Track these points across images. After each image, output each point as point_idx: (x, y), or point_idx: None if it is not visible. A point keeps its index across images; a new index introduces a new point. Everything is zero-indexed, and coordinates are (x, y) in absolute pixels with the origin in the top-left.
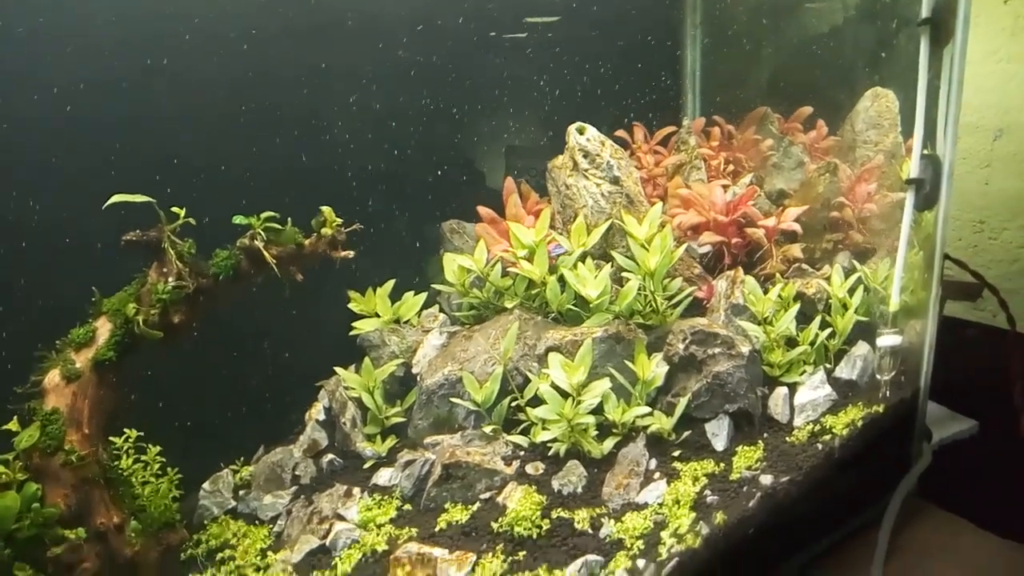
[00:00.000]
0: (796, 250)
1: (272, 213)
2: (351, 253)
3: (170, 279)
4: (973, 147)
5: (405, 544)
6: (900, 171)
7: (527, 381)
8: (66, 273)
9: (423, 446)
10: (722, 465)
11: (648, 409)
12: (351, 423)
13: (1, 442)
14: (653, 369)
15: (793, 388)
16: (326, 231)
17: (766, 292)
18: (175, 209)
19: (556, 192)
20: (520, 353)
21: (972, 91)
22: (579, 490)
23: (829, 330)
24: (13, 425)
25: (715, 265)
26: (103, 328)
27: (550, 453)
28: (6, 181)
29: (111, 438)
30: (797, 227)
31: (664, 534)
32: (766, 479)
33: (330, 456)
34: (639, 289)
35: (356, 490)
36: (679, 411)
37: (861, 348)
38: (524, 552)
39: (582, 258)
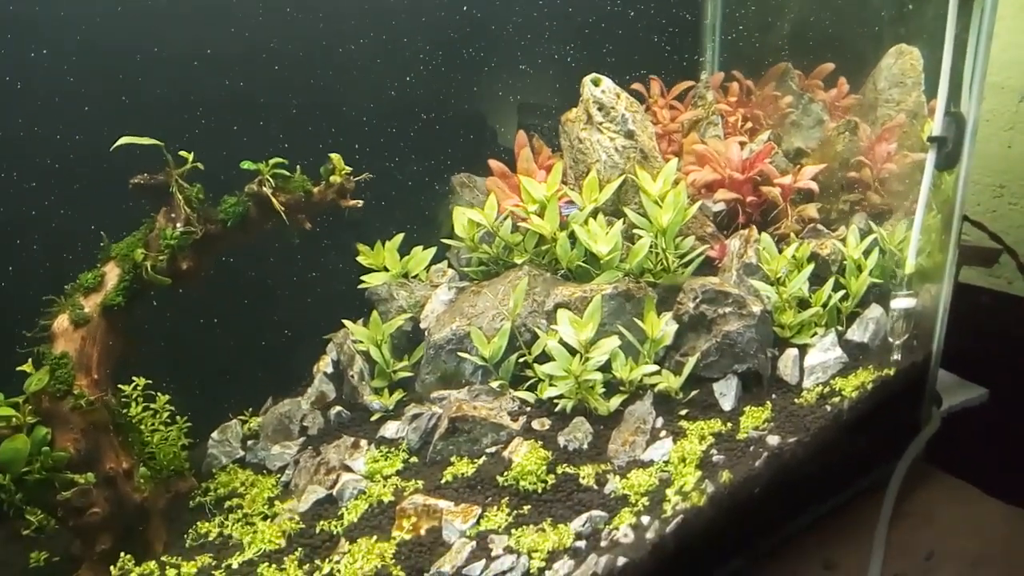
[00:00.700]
0: (812, 210)
1: (281, 160)
2: (360, 202)
3: (178, 225)
4: (997, 108)
5: (411, 496)
6: (922, 131)
7: (535, 338)
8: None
9: (430, 400)
10: (729, 425)
11: (656, 367)
12: (359, 376)
13: (11, 387)
14: (662, 327)
15: (803, 350)
16: (335, 179)
17: (780, 252)
18: (183, 153)
19: (569, 146)
20: (528, 309)
21: (1000, 48)
22: (585, 447)
23: (842, 292)
24: (28, 367)
25: (728, 224)
26: (111, 273)
27: (556, 409)
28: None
29: (120, 386)
30: (814, 185)
31: (669, 492)
32: (773, 439)
33: (338, 408)
34: (650, 246)
35: (363, 442)
36: (687, 370)
37: (874, 311)
38: (529, 506)
39: (593, 214)
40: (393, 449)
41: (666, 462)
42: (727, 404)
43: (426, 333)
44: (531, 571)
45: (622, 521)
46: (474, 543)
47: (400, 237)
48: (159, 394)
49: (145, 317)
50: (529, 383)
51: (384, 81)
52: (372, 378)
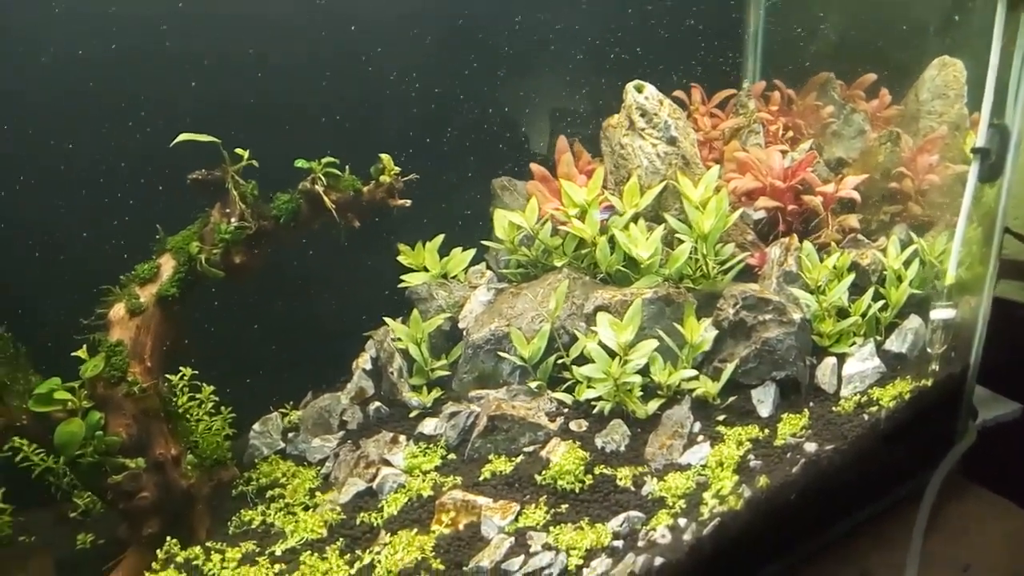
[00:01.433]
0: (853, 220)
1: (333, 159)
2: (408, 202)
3: (232, 219)
4: None
5: (450, 491)
6: (964, 143)
7: (573, 340)
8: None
9: (467, 399)
10: (766, 431)
11: (695, 372)
12: (398, 373)
13: (67, 372)
14: (702, 333)
15: (842, 359)
16: (384, 178)
17: (821, 261)
18: (239, 151)
19: (610, 152)
20: (567, 312)
21: None
22: (622, 448)
23: (882, 302)
24: (82, 353)
25: (768, 232)
26: (167, 265)
27: (594, 411)
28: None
29: (168, 376)
30: (856, 195)
31: (706, 495)
32: (810, 447)
33: (376, 404)
34: (691, 252)
35: (402, 437)
36: (726, 376)
37: (913, 322)
38: (567, 505)
39: (634, 219)
40: (431, 445)
41: (703, 466)
42: (765, 411)
43: (464, 333)
44: (569, 568)
45: (659, 522)
46: (512, 539)
47: (440, 238)
48: (204, 385)
49: (195, 309)
50: (567, 385)
51: (427, 86)
52: (411, 375)
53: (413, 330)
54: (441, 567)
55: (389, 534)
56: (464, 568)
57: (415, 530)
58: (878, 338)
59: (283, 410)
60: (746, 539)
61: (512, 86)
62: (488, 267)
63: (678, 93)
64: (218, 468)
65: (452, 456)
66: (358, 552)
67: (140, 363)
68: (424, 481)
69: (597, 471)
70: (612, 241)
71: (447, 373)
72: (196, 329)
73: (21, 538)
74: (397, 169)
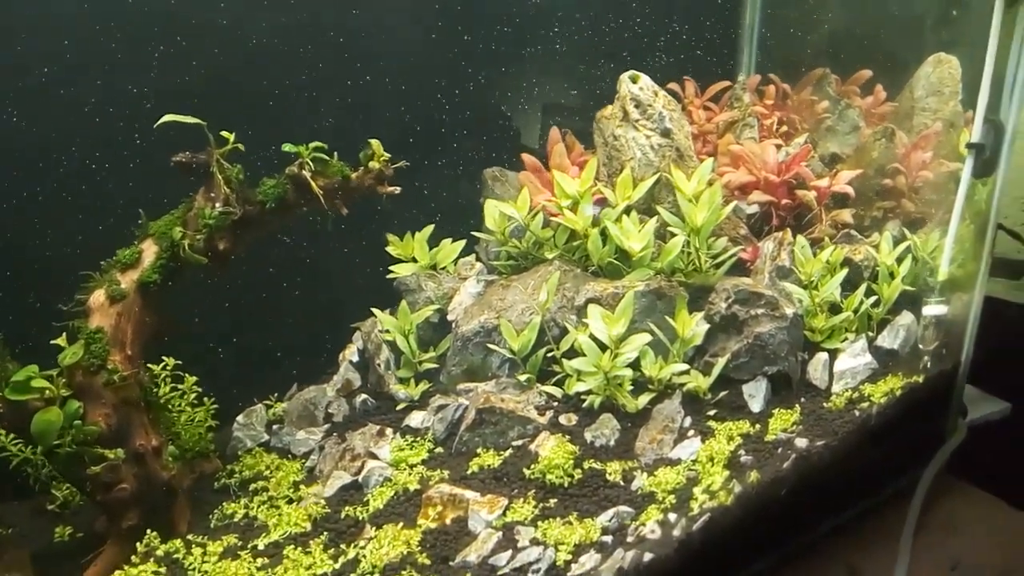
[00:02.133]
0: (846, 215)
1: (321, 144)
2: (398, 189)
3: (217, 204)
4: None
5: (437, 485)
6: (958, 141)
7: (564, 333)
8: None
9: (456, 392)
10: (757, 426)
11: (686, 367)
12: (385, 365)
13: (45, 360)
14: (693, 327)
15: (834, 354)
16: (374, 165)
17: (814, 256)
18: (224, 134)
19: (603, 143)
20: (558, 304)
21: None
22: (612, 443)
23: (874, 298)
24: (61, 340)
25: (761, 227)
26: (149, 251)
27: (584, 405)
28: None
29: (150, 365)
30: (850, 190)
31: (696, 490)
32: (801, 442)
33: (363, 396)
34: (683, 246)
35: (388, 430)
36: (717, 370)
37: (905, 318)
38: (555, 499)
39: (626, 211)
40: (418, 439)
41: (694, 461)
42: (756, 406)
43: (453, 325)
44: (558, 563)
45: (649, 517)
46: (500, 534)
47: (430, 229)
48: (187, 375)
49: (179, 297)
50: (557, 378)
51: (420, 76)
52: (398, 368)
53: (401, 322)
54: (427, 562)
55: (374, 528)
56: (451, 563)
57: (401, 524)
58: (870, 334)
59: (268, 402)
60: (736, 535)
61: (505, 76)
62: (478, 259)
63: (672, 86)
64: (200, 460)
65: (439, 450)
66: (342, 546)
67: (120, 351)
68: (411, 475)
69: (586, 465)
70: (604, 233)
71: (435, 366)
72: (181, 317)
73: None
74: (386, 155)
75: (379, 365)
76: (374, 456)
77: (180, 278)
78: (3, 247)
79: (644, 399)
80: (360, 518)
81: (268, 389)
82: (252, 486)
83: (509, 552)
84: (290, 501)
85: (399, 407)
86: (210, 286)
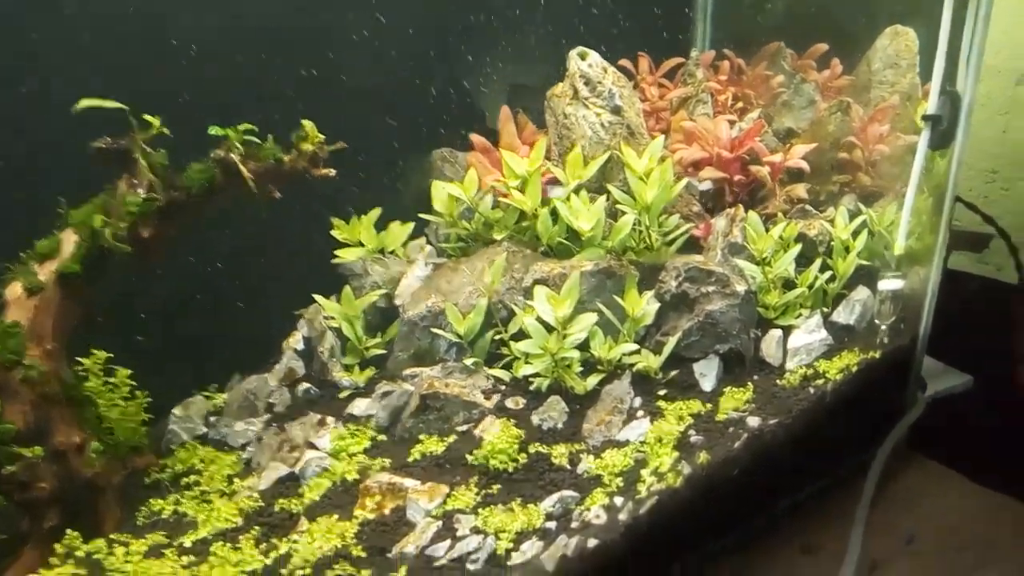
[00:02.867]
0: (801, 190)
1: (250, 126)
2: (332, 172)
3: (140, 191)
4: (993, 92)
5: (376, 474)
6: (915, 113)
7: (512, 315)
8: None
9: (402, 378)
10: (709, 406)
11: (636, 347)
12: (329, 353)
13: None
14: (643, 306)
15: (788, 331)
16: (306, 147)
17: (767, 232)
18: (148, 118)
19: (554, 122)
20: (506, 286)
21: (998, 30)
22: (559, 426)
23: (829, 273)
24: None
25: (715, 204)
26: (69, 241)
27: (532, 388)
28: None
29: (79, 359)
30: (804, 164)
31: (644, 472)
32: (753, 421)
33: (306, 385)
34: (634, 224)
35: (330, 419)
36: (668, 350)
37: (861, 293)
38: (498, 485)
39: (576, 191)
40: (361, 427)
41: (642, 442)
42: (707, 385)
43: (400, 310)
44: (498, 552)
45: (594, 502)
46: (440, 523)
47: (377, 212)
48: (120, 368)
49: (110, 288)
50: (505, 361)
51: (366, 55)
52: (344, 355)
53: (345, 307)
54: (362, 554)
55: (309, 521)
56: (387, 555)
57: (337, 516)
58: (825, 310)
59: (207, 393)
60: (685, 517)
61: (454, 55)
62: (428, 242)
63: (624, 62)
64: (133, 455)
65: (382, 438)
66: (274, 541)
67: (39, 346)
68: (350, 464)
69: (532, 449)
70: (554, 213)
71: (383, 352)
72: (116, 308)
73: None
74: (321, 137)
75: (322, 353)
76: (313, 446)
77: (104, 268)
78: None
79: (593, 380)
80: (295, 511)
81: (209, 379)
82: (184, 480)
83: (448, 542)
84: (223, 495)
85: (343, 395)
86: (150, 275)
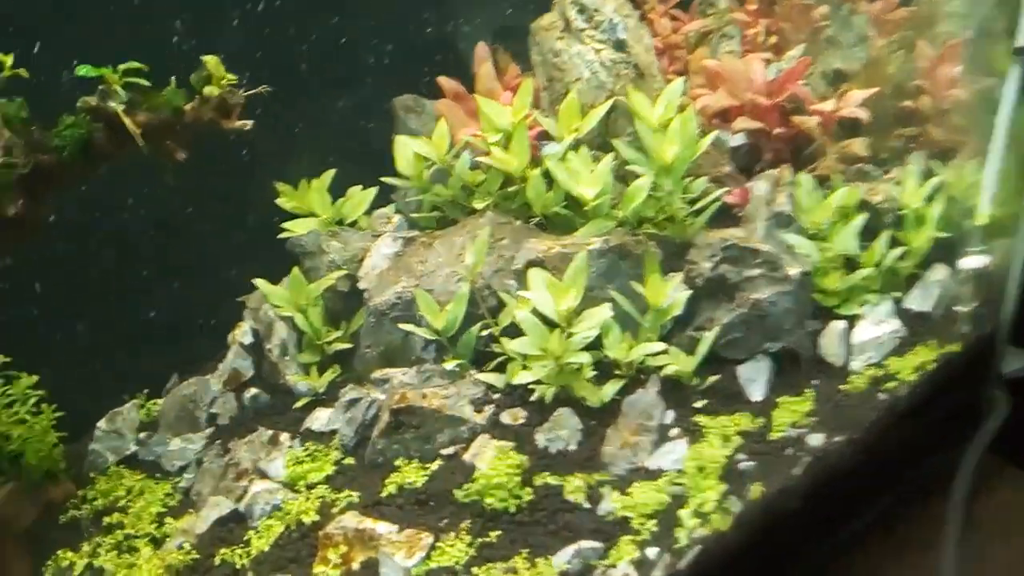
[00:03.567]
0: (859, 146)
1: (138, 65)
2: (249, 123)
3: None
4: None
5: (341, 515)
6: (994, 53)
7: (502, 304)
8: None
9: (370, 381)
10: (760, 420)
11: (663, 346)
12: (280, 349)
13: None
14: (670, 294)
15: (852, 322)
16: (211, 91)
17: (822, 199)
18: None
19: (541, 62)
20: (493, 268)
21: None
22: (571, 448)
23: (900, 249)
24: None
25: (750, 163)
26: None
27: (533, 398)
28: None
29: None
30: (863, 114)
31: (683, 513)
32: (815, 439)
33: (254, 391)
34: (651, 189)
35: (284, 436)
36: (704, 349)
37: (938, 272)
38: (498, 531)
39: (574, 147)
40: (322, 446)
41: (679, 471)
42: (756, 393)
43: (365, 295)
44: None
45: (622, 556)
46: None
47: (330, 174)
48: (21, 374)
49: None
50: (496, 362)
51: None
52: (300, 351)
53: (295, 294)
54: None
55: None
56: None
57: (291, 574)
58: (896, 295)
59: (139, 400)
60: (736, 570)
61: None
62: (398, 211)
63: None
64: (47, 485)
65: (349, 461)
66: None
67: None
68: (308, 499)
69: (538, 481)
70: (548, 176)
71: (349, 345)
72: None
73: None
74: (231, 78)
75: (271, 350)
76: (263, 474)
77: None
78: None
79: (611, 389)
80: (239, 566)
81: (141, 383)
82: (106, 519)
83: None
84: (152, 540)
85: (299, 404)
86: (57, 258)
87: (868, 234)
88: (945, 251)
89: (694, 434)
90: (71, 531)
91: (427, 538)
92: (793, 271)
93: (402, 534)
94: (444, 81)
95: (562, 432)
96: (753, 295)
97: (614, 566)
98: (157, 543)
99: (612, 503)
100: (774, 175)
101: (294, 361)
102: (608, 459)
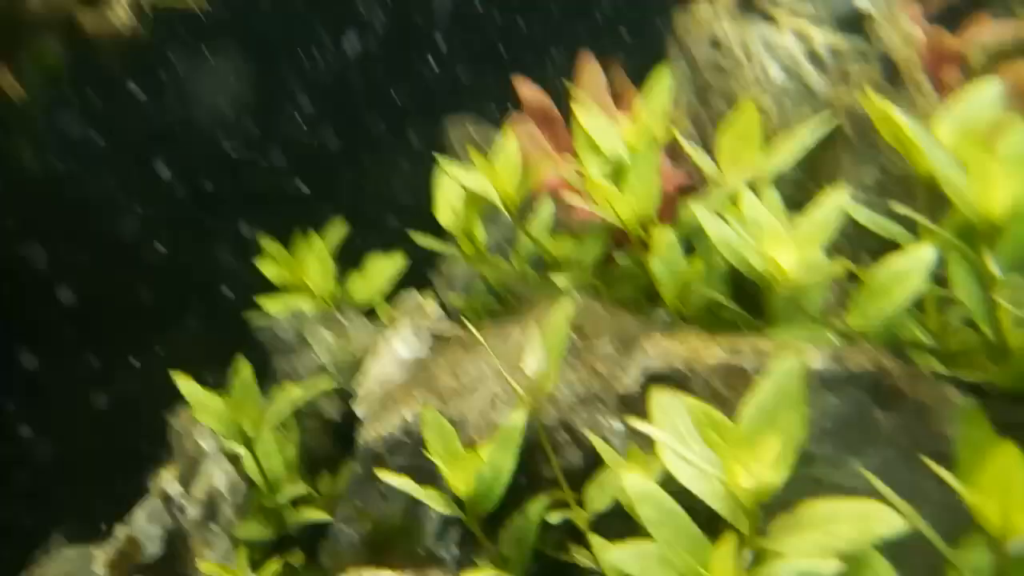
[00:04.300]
0: None
1: None
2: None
3: None
4: None
5: None
6: None
7: (594, 459)
8: None
9: None
10: None
11: None
12: (204, 513)
13: None
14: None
15: None
16: None
17: None
18: None
19: (690, 61)
20: (578, 388)
21: None
22: None
23: None
24: None
25: None
26: None
27: None
28: None
29: None
30: None
31: None
32: None
33: None
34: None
35: None
36: None
37: None
38: None
39: (754, 190)
40: None
41: None
42: None
43: (358, 424)
44: None
45: None
46: None
47: (341, 229)
48: None
49: None
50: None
51: None
52: (240, 516)
53: (240, 409)
54: None
55: None
56: None
57: None
58: None
59: None
60: None
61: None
62: (435, 294)
63: None
64: None
65: None
66: None
67: None
68: None
69: None
70: (691, 241)
71: (323, 517)
72: None
73: None
74: None
75: (186, 509)
76: None
77: None
78: None
79: None
80: None
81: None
82: None
83: None
84: None
85: None
86: None
87: None
88: None
89: None
90: None
91: None
92: None
93: None
94: (525, 88)
95: None
96: None
97: None
98: None
99: None
100: None
101: (225, 533)
102: None
